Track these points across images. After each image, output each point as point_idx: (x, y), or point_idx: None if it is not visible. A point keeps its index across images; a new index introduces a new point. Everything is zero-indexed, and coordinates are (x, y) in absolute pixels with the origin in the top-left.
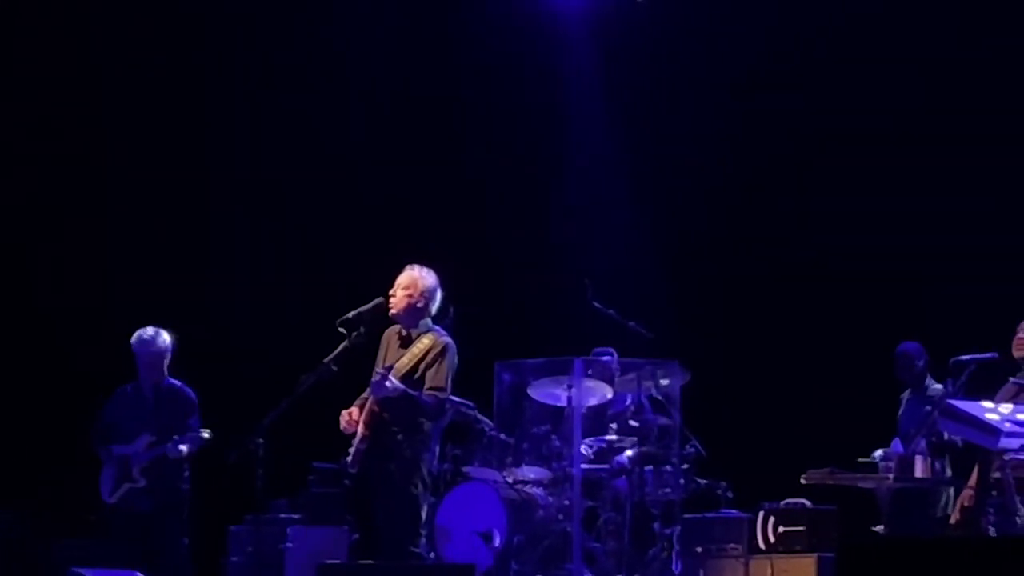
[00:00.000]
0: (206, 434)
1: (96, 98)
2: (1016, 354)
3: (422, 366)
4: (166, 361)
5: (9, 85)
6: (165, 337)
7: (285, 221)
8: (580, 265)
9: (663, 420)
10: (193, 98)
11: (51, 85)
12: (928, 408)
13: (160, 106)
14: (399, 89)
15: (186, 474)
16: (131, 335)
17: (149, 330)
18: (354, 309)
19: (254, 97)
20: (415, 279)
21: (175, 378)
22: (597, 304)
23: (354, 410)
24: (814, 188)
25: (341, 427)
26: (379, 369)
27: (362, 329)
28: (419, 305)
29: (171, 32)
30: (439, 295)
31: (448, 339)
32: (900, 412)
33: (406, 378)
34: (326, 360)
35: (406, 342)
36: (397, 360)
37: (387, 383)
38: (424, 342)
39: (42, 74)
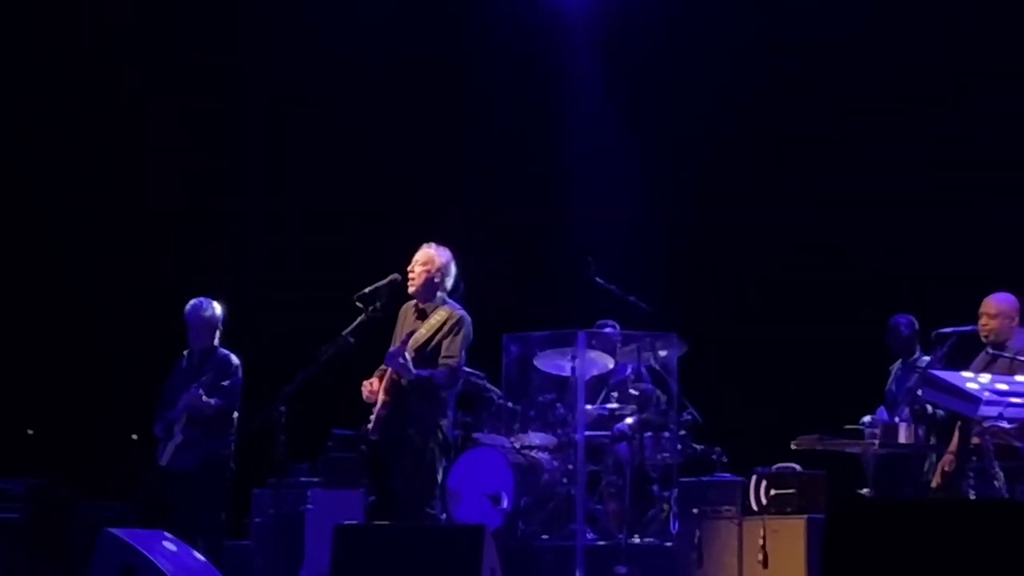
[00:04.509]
0: (212, 401)
1: (117, 83)
2: (983, 338)
3: (438, 337)
4: (215, 329)
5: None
6: (215, 307)
7: (305, 205)
8: (583, 243)
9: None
10: (209, 77)
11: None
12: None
13: (175, 83)
14: (408, 68)
15: (230, 439)
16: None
17: (199, 299)
18: (370, 285)
19: (271, 79)
20: (432, 256)
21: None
22: (599, 280)
23: (374, 380)
24: (807, 161)
25: (364, 396)
26: (396, 345)
27: (378, 303)
28: (436, 280)
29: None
30: (454, 271)
31: (463, 312)
32: (890, 382)
33: (422, 348)
34: (344, 332)
35: (422, 315)
36: (415, 331)
37: (400, 359)
38: (440, 314)
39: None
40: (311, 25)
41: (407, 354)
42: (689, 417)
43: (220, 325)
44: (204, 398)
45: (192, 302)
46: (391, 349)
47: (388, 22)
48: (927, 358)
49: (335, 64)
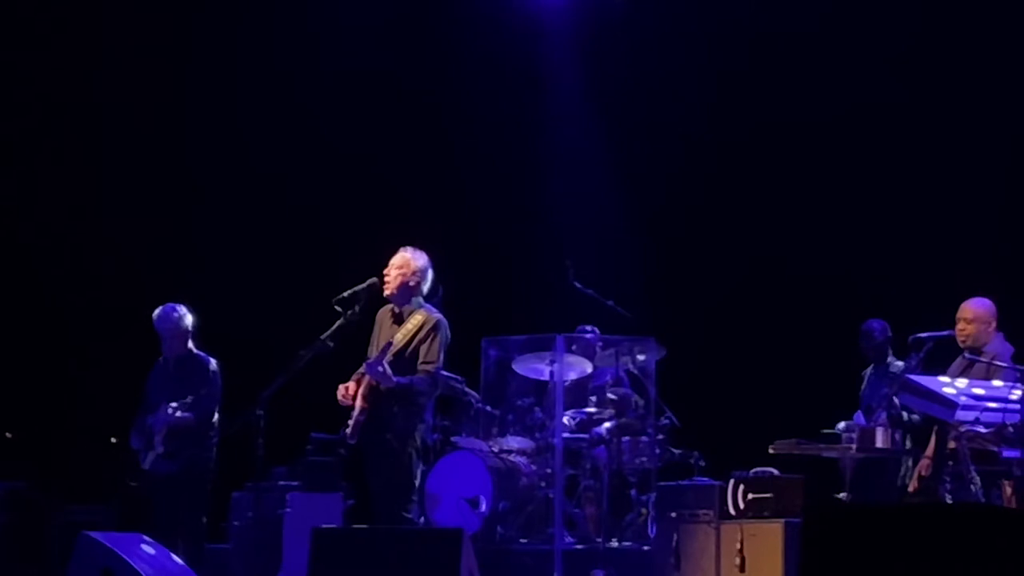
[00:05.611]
0: (179, 412)
1: (93, 92)
2: (960, 342)
3: (415, 341)
4: (187, 335)
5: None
6: (182, 312)
7: (285, 209)
8: (562, 247)
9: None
10: (188, 88)
11: (49, 74)
12: (889, 384)
13: (156, 98)
14: (388, 76)
15: (211, 442)
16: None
17: (167, 306)
18: (349, 288)
19: (251, 86)
20: (407, 259)
21: (202, 351)
22: (578, 284)
23: (351, 384)
24: (785, 169)
25: (338, 399)
26: (374, 350)
27: (356, 307)
28: (411, 284)
29: (163, 24)
30: (430, 275)
31: (440, 316)
32: (863, 387)
33: (400, 353)
34: (323, 336)
35: (399, 319)
36: (391, 337)
37: (379, 367)
38: (417, 318)
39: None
40: (307, 32)
41: (385, 362)
42: (667, 421)
43: (191, 329)
44: (179, 414)
45: (159, 310)
46: (370, 359)
47: (377, 30)
48: (900, 363)
49: (315, 73)
